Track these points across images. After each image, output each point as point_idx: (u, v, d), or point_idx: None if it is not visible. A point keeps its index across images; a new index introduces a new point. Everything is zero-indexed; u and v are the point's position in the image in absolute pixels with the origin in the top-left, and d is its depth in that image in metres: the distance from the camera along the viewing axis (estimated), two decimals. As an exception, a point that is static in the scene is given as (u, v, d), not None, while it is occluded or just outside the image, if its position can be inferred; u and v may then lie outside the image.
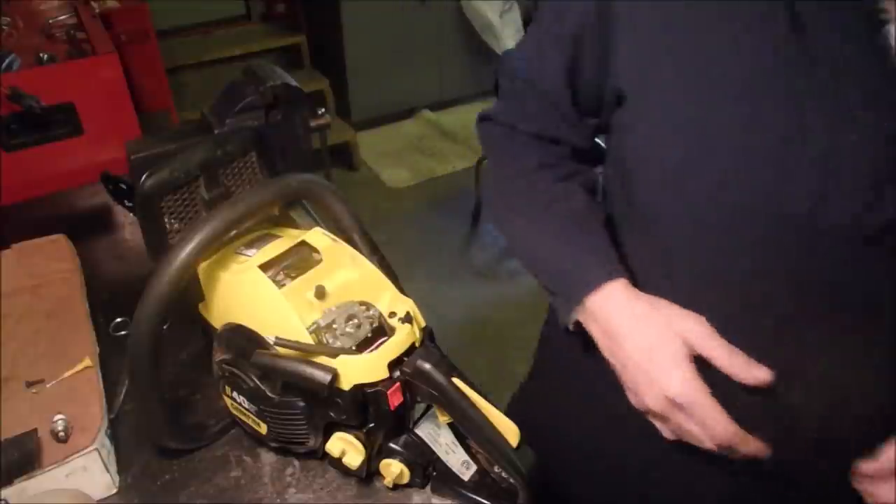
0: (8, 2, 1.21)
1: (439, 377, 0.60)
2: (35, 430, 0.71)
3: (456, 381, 0.60)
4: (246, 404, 0.66)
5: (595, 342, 0.63)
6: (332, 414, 0.62)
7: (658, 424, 0.61)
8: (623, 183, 0.66)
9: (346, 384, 0.60)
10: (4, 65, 1.32)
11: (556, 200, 0.68)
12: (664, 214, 0.60)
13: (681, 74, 0.55)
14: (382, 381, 0.61)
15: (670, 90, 0.56)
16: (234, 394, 0.67)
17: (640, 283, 0.63)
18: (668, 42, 0.56)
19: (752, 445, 0.57)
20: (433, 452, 0.66)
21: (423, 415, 0.67)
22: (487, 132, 0.76)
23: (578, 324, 0.64)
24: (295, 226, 0.78)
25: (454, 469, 0.66)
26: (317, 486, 0.69)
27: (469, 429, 0.61)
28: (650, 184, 0.61)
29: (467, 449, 0.67)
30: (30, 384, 0.77)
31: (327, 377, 0.58)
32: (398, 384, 0.61)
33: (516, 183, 0.71)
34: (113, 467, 0.69)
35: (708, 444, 0.57)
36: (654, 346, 0.58)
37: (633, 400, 0.61)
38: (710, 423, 0.56)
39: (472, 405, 0.60)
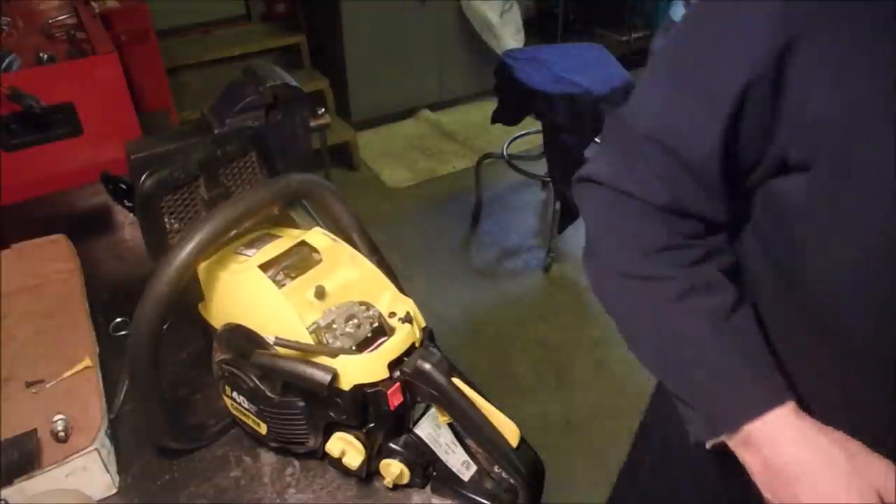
0: (8, 2, 1.21)
1: (439, 377, 0.60)
2: (35, 430, 0.71)
3: (456, 381, 0.60)
4: (246, 404, 0.66)
5: (748, 470, 0.54)
6: (332, 414, 0.62)
7: None
8: (778, 263, 0.56)
9: (345, 384, 0.60)
10: (4, 65, 1.32)
11: (693, 292, 0.56)
12: (849, 312, 0.50)
13: None
14: (382, 381, 0.61)
15: (884, 159, 0.45)
16: (234, 394, 0.67)
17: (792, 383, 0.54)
18: (883, 99, 0.44)
19: None
20: (433, 452, 0.66)
21: (422, 415, 0.67)
22: (591, 197, 0.63)
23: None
24: (295, 226, 0.78)
25: (454, 469, 0.66)
26: (317, 486, 0.69)
27: (469, 429, 0.61)
28: (834, 268, 0.50)
29: (467, 449, 0.67)
30: (30, 384, 0.77)
31: (327, 377, 0.58)
32: (398, 384, 0.61)
33: (637, 265, 0.59)
34: (113, 467, 0.69)
35: None
36: (842, 498, 0.49)
37: None
38: None
39: (472, 405, 0.60)
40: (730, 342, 0.55)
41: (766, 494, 0.54)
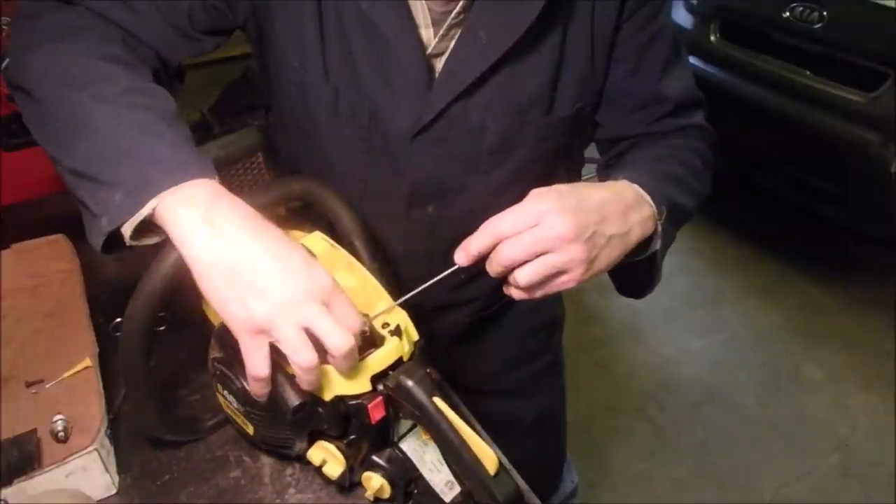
0: (8, 2, 1.21)
1: (420, 395, 0.58)
2: (35, 430, 0.71)
3: (437, 400, 0.59)
4: (235, 404, 0.65)
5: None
6: (314, 422, 0.62)
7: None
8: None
9: (327, 394, 0.60)
10: (4, 65, 1.32)
11: (138, 92, 0.62)
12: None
13: None
14: (364, 394, 0.60)
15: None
16: (225, 392, 0.66)
17: None
18: None
19: None
20: (416, 469, 0.65)
21: (410, 430, 0.66)
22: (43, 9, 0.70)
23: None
24: (299, 227, 0.77)
25: (437, 489, 0.65)
26: (317, 486, 0.70)
27: (445, 451, 0.60)
28: None
29: (453, 469, 0.65)
30: (30, 384, 0.77)
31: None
32: (381, 398, 0.60)
33: (86, 56, 0.64)
34: (113, 467, 0.70)
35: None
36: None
37: None
38: None
39: (452, 427, 0.58)
40: (173, 130, 0.59)
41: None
